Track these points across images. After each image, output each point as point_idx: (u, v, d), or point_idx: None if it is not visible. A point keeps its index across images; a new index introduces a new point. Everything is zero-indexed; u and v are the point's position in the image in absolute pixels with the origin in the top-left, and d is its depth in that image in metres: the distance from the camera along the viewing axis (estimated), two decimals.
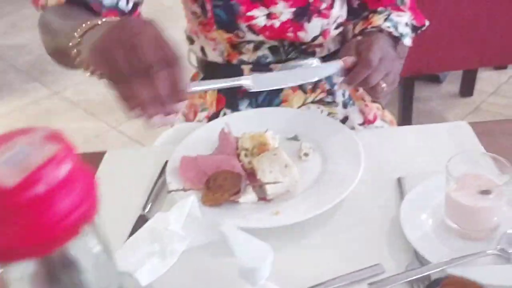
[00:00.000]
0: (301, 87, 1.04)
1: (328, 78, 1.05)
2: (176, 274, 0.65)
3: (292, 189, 0.76)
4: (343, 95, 1.07)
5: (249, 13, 0.94)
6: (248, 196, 0.75)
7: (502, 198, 0.62)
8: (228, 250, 0.69)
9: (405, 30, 0.95)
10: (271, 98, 1.03)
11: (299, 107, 1.03)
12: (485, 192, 0.63)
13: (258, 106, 1.03)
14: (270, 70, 1.01)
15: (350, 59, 0.80)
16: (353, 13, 1.03)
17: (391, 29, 0.93)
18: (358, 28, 1.00)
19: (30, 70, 3.19)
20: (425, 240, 0.65)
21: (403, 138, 0.89)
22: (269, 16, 0.95)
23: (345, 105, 1.07)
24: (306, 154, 0.84)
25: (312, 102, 1.05)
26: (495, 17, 1.69)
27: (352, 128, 1.04)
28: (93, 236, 0.28)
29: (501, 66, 2.66)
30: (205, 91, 1.07)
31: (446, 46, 1.75)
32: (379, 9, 0.99)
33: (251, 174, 0.81)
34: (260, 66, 1.01)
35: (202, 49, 1.05)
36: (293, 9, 0.94)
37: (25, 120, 2.68)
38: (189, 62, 1.08)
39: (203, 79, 1.09)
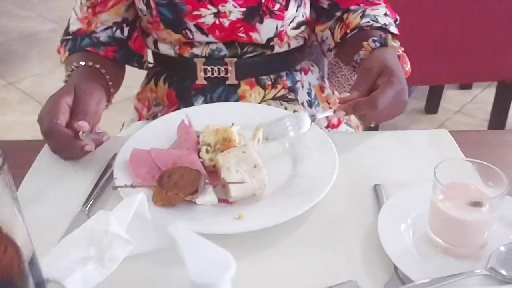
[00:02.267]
0: (259, 83, 0.97)
1: (289, 75, 0.99)
2: (114, 285, 0.55)
3: (259, 193, 0.67)
4: (308, 94, 1.01)
5: (195, 12, 0.89)
6: (207, 197, 0.65)
7: (495, 212, 0.56)
8: (180, 259, 0.60)
9: (387, 20, 0.92)
10: (228, 94, 0.96)
11: (259, 103, 0.96)
12: (477, 204, 0.56)
13: (213, 103, 0.95)
14: (225, 64, 0.94)
15: (341, 114, 0.76)
16: (324, 14, 0.98)
17: (371, 23, 0.89)
18: (338, 35, 0.95)
19: None
20: (406, 256, 0.57)
21: (380, 143, 0.82)
22: (218, 14, 0.89)
23: (310, 105, 1.00)
24: (259, 140, 0.75)
25: (273, 98, 0.97)
26: (467, 34, 1.68)
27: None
28: None
29: (465, 86, 2.69)
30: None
31: (416, 61, 1.72)
32: (352, 7, 0.95)
33: (212, 173, 0.71)
34: (213, 60, 0.94)
35: (155, 42, 0.98)
36: (244, 9, 0.89)
37: None
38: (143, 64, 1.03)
39: (158, 72, 1.03)
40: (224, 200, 0.67)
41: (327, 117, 1.01)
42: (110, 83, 0.88)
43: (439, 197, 0.57)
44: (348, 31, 0.92)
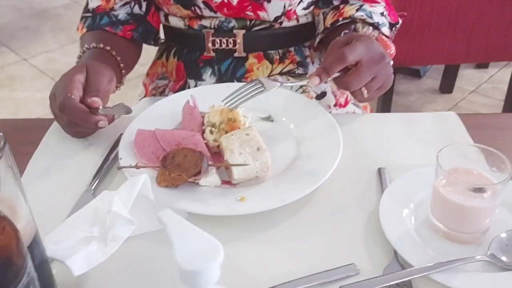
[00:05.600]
0: (267, 57, 0.97)
1: (298, 50, 0.99)
2: (116, 265, 0.56)
3: (262, 175, 0.67)
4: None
5: None
6: (210, 179, 0.65)
7: (497, 199, 0.55)
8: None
9: (381, 19, 0.90)
10: (235, 66, 0.96)
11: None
12: (479, 190, 0.55)
13: (221, 75, 0.96)
14: (234, 36, 0.94)
15: (315, 80, 0.72)
16: (324, 1, 0.96)
17: (365, 17, 0.88)
18: (329, 20, 0.93)
19: None
20: (406, 240, 0.57)
21: (386, 125, 0.81)
22: None
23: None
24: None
25: (280, 73, 0.97)
26: (484, 12, 1.63)
27: (329, 107, 0.98)
28: None
29: (482, 65, 2.63)
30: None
31: (433, 38, 1.69)
32: (351, 0, 0.93)
33: (217, 154, 0.72)
34: (222, 32, 0.94)
35: (166, 16, 0.99)
36: None
37: None
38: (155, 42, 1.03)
39: (169, 47, 1.04)
40: (228, 181, 0.67)
41: (335, 96, 1.00)
42: (122, 64, 0.90)
43: (441, 182, 0.57)
44: (340, 19, 0.90)
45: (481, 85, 2.56)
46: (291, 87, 0.96)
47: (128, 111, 0.73)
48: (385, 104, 2.05)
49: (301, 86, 0.98)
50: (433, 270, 0.53)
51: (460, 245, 0.57)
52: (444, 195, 0.56)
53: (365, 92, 0.74)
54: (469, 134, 0.77)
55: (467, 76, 2.60)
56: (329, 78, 0.72)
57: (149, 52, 1.09)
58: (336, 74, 0.73)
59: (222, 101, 0.74)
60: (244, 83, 0.76)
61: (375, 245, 0.59)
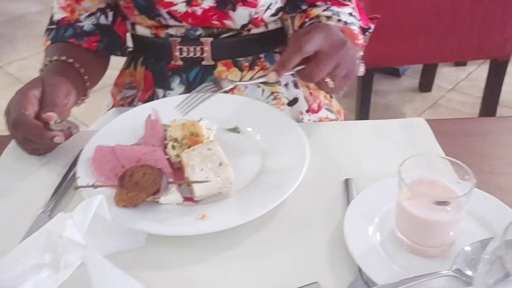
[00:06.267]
0: (236, 64, 0.95)
1: (268, 56, 0.97)
2: None
3: (225, 191, 0.65)
4: (292, 74, 0.99)
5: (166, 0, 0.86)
6: (171, 197, 0.63)
7: (461, 211, 0.54)
8: (140, 263, 0.59)
9: (349, 18, 0.87)
10: (204, 75, 0.94)
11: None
12: (442, 203, 0.54)
13: (189, 84, 0.94)
14: (201, 44, 0.92)
15: (273, 76, 0.69)
16: (290, 4, 0.94)
17: (330, 15, 0.86)
18: (297, 23, 0.92)
19: None
20: (371, 256, 0.55)
21: (353, 134, 0.79)
22: (190, 3, 0.87)
23: (296, 86, 0.99)
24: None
25: (250, 80, 0.95)
26: (457, 13, 1.64)
27: (301, 113, 0.96)
28: None
29: (460, 63, 2.64)
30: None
31: (407, 39, 1.70)
32: (318, 3, 0.92)
33: (179, 170, 0.69)
34: (189, 40, 0.92)
35: (132, 24, 0.98)
36: None
37: None
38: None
39: (136, 56, 1.02)
40: (190, 198, 0.65)
41: (307, 101, 0.99)
42: (86, 76, 0.88)
43: (405, 195, 0.55)
44: (307, 20, 0.89)
45: (460, 83, 2.57)
46: (263, 92, 0.95)
47: (75, 126, 0.71)
48: (363, 103, 2.05)
49: (272, 93, 0.96)
50: (398, 287, 0.51)
51: (426, 259, 0.56)
52: (407, 209, 0.54)
53: (329, 82, 0.71)
54: (438, 141, 0.76)
55: (445, 74, 2.61)
56: (289, 73, 0.70)
57: (122, 59, 1.07)
58: (300, 67, 0.70)
59: (175, 108, 0.71)
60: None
61: (340, 262, 0.57)
